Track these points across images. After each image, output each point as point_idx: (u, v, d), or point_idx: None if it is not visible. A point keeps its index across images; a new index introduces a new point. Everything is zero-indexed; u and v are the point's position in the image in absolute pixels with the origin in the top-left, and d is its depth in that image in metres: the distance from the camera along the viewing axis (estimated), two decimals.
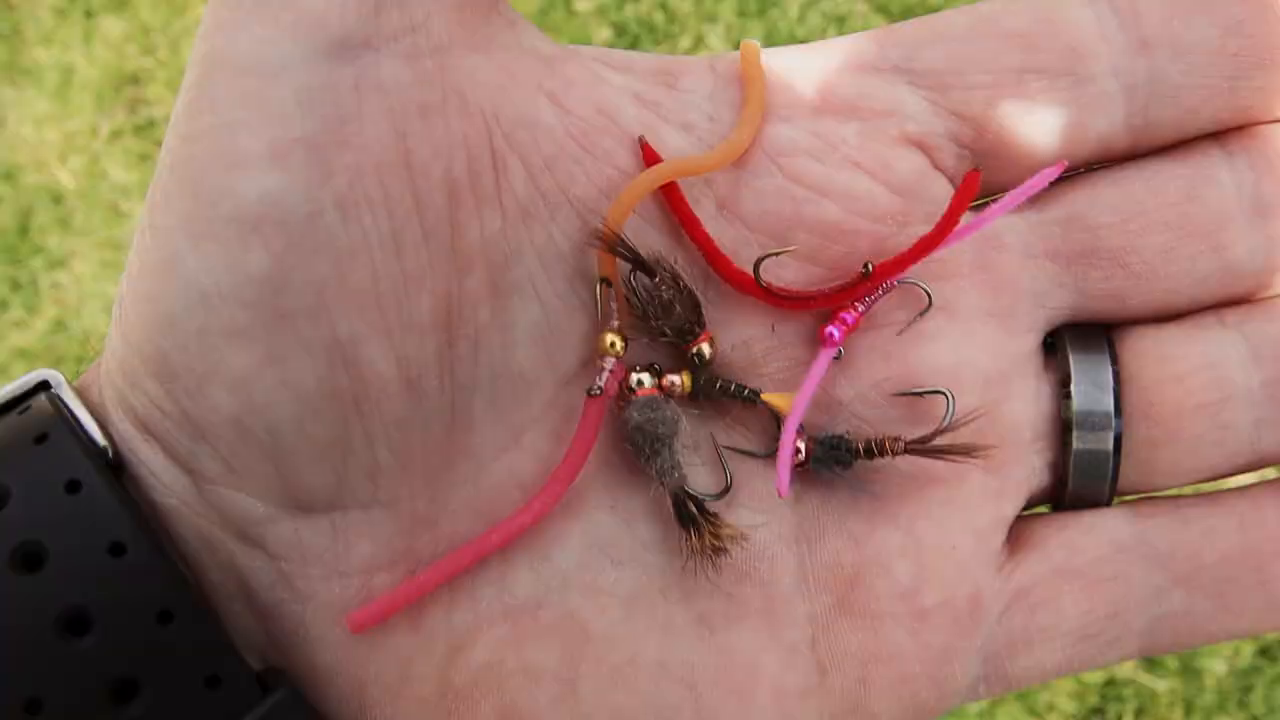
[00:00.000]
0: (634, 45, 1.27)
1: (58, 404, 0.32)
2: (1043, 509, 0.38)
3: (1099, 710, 1.10)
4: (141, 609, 0.30)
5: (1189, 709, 1.08)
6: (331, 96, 0.30)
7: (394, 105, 0.31)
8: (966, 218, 0.36)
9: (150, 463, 0.32)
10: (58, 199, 1.27)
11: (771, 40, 1.22)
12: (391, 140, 0.31)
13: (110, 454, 0.32)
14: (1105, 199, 0.36)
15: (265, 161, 0.30)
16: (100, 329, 1.20)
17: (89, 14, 1.35)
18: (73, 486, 0.31)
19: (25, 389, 0.33)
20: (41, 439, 0.31)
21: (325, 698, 0.33)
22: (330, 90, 0.30)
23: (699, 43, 1.24)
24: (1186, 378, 0.35)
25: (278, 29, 0.30)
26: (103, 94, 1.29)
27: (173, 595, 0.30)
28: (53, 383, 0.33)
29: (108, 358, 0.33)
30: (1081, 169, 0.37)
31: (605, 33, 1.26)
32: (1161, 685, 1.10)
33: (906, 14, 1.28)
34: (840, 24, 1.25)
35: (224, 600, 0.33)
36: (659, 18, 1.25)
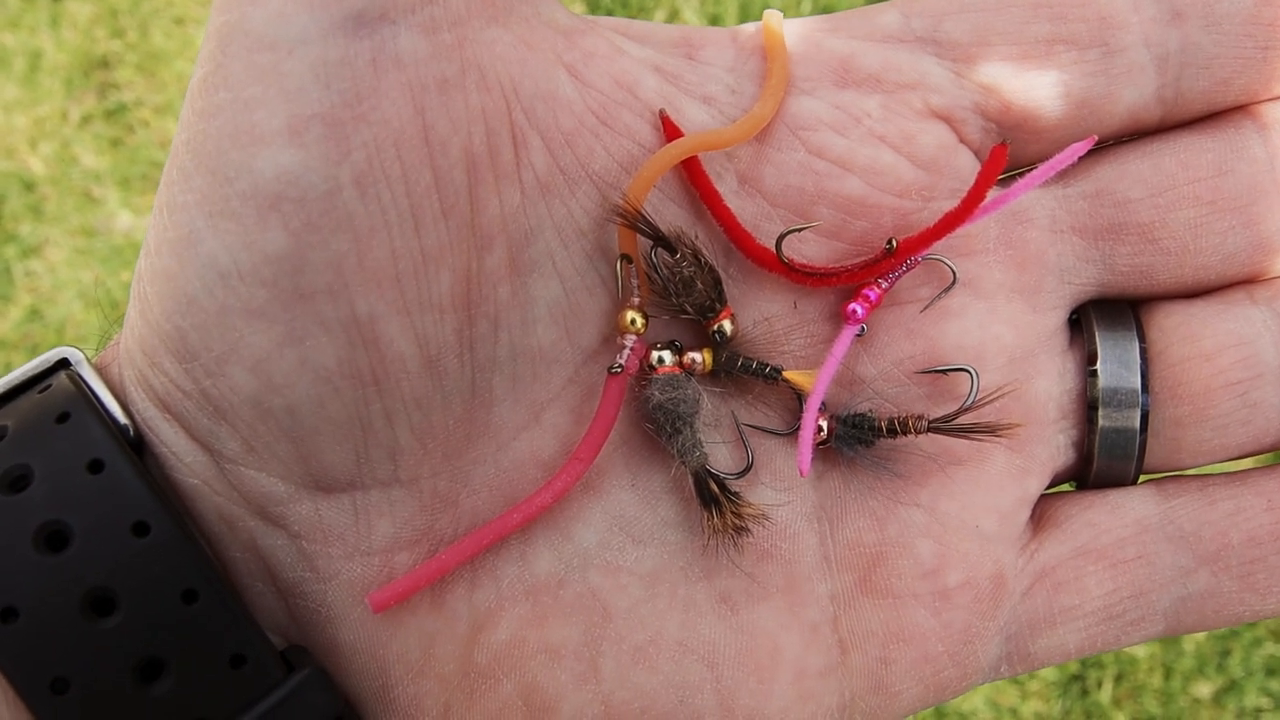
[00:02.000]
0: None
1: (78, 382, 0.32)
2: (1068, 486, 0.37)
3: (1079, 677, 1.10)
4: (166, 589, 0.30)
5: (1168, 674, 1.08)
6: (349, 71, 0.30)
7: (412, 80, 0.30)
8: (993, 192, 0.35)
9: (171, 442, 0.32)
10: (29, 186, 1.27)
11: (746, 13, 1.20)
12: (410, 115, 0.30)
13: (131, 432, 0.32)
14: (1134, 173, 0.35)
15: (282, 138, 0.29)
16: (76, 316, 1.19)
17: None
18: (95, 466, 0.31)
19: (45, 366, 0.33)
20: (63, 418, 0.31)
21: (347, 676, 0.34)
22: (348, 65, 0.30)
23: (674, 16, 1.22)
24: (1215, 356, 0.35)
25: (294, 2, 0.30)
26: (72, 78, 1.29)
27: (197, 575, 0.31)
28: (73, 360, 0.33)
29: (126, 335, 0.33)
30: (1110, 141, 0.36)
31: (579, 7, 1.25)
32: (1141, 651, 1.09)
33: None
34: None
35: (246, 579, 0.33)
36: None
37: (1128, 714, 1.08)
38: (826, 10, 1.22)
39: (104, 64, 1.29)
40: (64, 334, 1.18)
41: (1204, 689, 1.08)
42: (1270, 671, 1.07)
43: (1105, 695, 1.09)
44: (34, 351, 1.19)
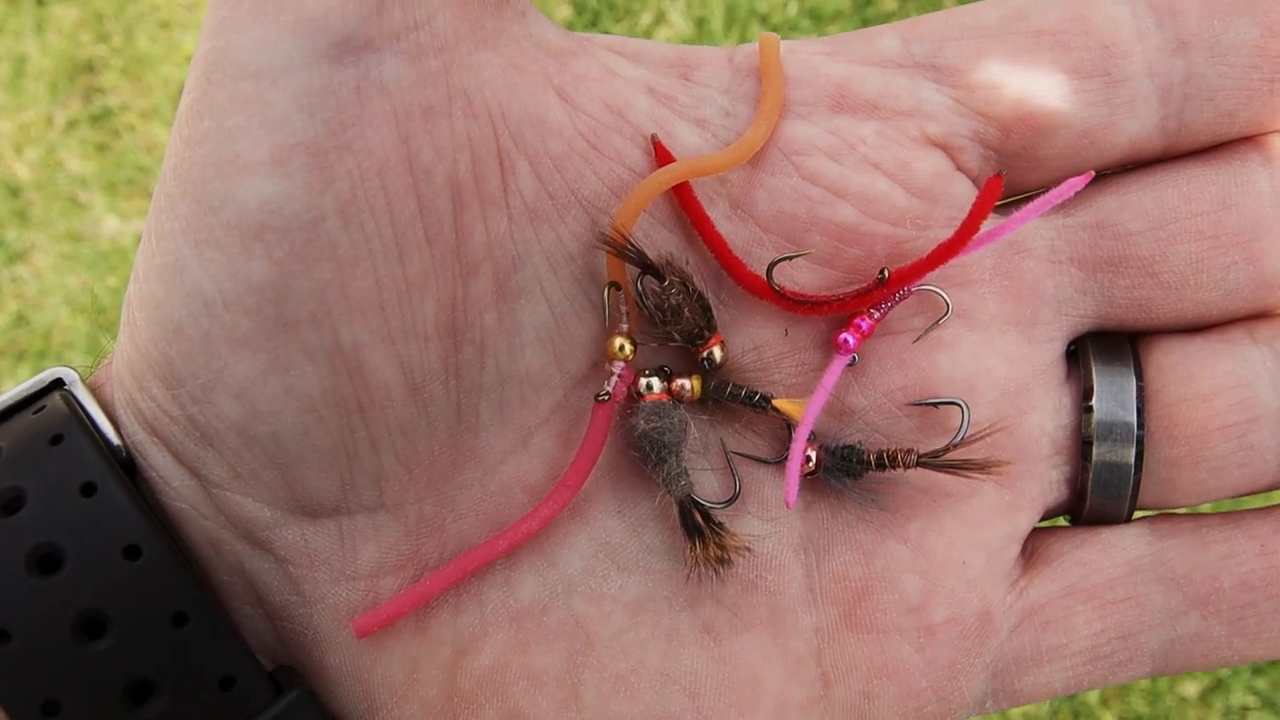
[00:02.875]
0: (594, 23, 1.24)
1: (72, 403, 0.32)
2: (1063, 520, 0.37)
3: None
4: (157, 611, 0.31)
5: None
6: (333, 100, 0.29)
7: (397, 107, 0.30)
8: (991, 220, 0.34)
9: (159, 466, 0.32)
10: (14, 191, 1.27)
11: (733, 15, 1.18)
12: (394, 143, 0.30)
13: (124, 454, 0.33)
14: (1136, 204, 0.35)
15: (266, 168, 0.29)
16: (63, 322, 1.20)
17: (40, 2, 1.33)
18: (88, 489, 0.31)
19: (40, 386, 0.34)
20: (57, 440, 0.32)
21: (334, 698, 0.34)
22: (331, 93, 0.29)
23: (660, 19, 1.21)
24: (1213, 398, 0.34)
25: (278, 30, 0.29)
26: (57, 83, 1.29)
27: (187, 598, 0.31)
28: (67, 380, 0.34)
29: (117, 359, 0.33)
30: (1112, 170, 0.36)
31: (565, 10, 1.23)
32: (1140, 679, 1.09)
33: None
34: None
35: (234, 602, 0.33)
36: None
37: (1115, 713, 1.09)
38: (813, 14, 1.21)
39: (89, 68, 1.28)
40: (51, 339, 1.19)
41: (1191, 688, 1.08)
42: (1257, 670, 1.08)
43: (1093, 695, 1.09)
44: (21, 358, 1.19)
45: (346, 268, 0.30)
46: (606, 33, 1.24)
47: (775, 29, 1.20)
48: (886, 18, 1.24)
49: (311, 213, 0.30)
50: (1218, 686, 1.08)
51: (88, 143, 1.24)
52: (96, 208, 1.22)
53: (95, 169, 1.22)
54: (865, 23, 1.24)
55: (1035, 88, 0.34)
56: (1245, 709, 1.07)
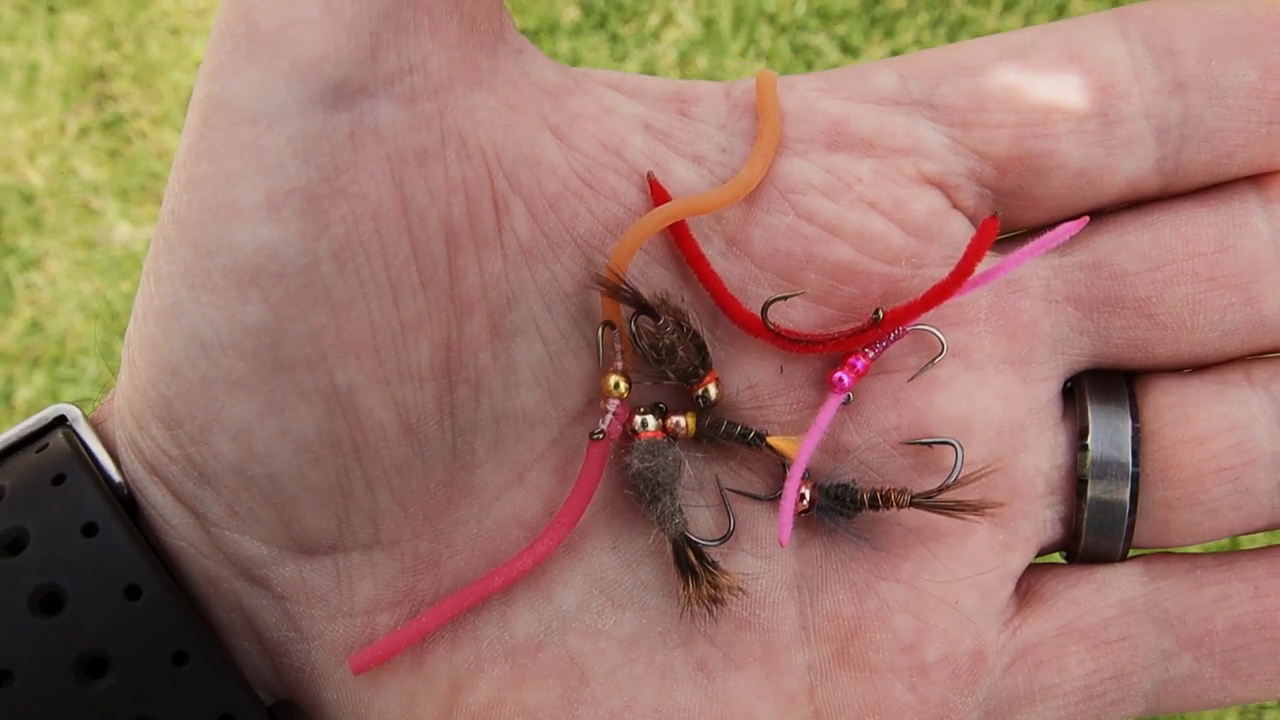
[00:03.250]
0: (602, 24, 1.23)
1: (74, 441, 0.33)
2: (1058, 555, 0.37)
3: None
4: (157, 650, 0.31)
5: None
6: (327, 145, 0.29)
7: (391, 152, 0.30)
8: (986, 261, 0.34)
9: (159, 504, 0.33)
10: (28, 199, 1.28)
11: (741, 15, 1.18)
12: (388, 188, 0.30)
13: (125, 491, 0.33)
14: (1133, 245, 0.35)
15: (262, 213, 0.29)
16: (77, 328, 1.21)
17: (52, 9, 1.34)
18: (89, 529, 0.32)
19: (42, 424, 0.35)
20: (59, 480, 0.32)
21: None
22: (326, 139, 0.29)
23: (668, 19, 1.20)
24: (1208, 440, 0.34)
25: (273, 76, 0.29)
26: (69, 91, 1.30)
27: (187, 636, 0.31)
28: (69, 418, 0.34)
29: (118, 396, 0.34)
30: (1110, 210, 0.35)
31: (573, 12, 1.23)
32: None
33: None
34: None
35: (233, 639, 0.34)
36: None
37: None
38: (821, 13, 1.20)
39: (101, 76, 1.29)
40: (65, 345, 1.20)
41: None
42: None
43: None
44: (36, 364, 1.20)
45: (341, 311, 0.30)
46: (614, 33, 1.24)
47: (784, 29, 1.20)
48: (894, 17, 1.23)
49: (306, 257, 0.30)
50: None
51: (100, 149, 1.25)
52: (109, 214, 1.23)
53: (108, 175, 1.23)
54: (873, 22, 1.23)
55: (1032, 127, 0.34)
56: (1263, 707, 1.07)
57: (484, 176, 0.32)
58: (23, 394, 1.17)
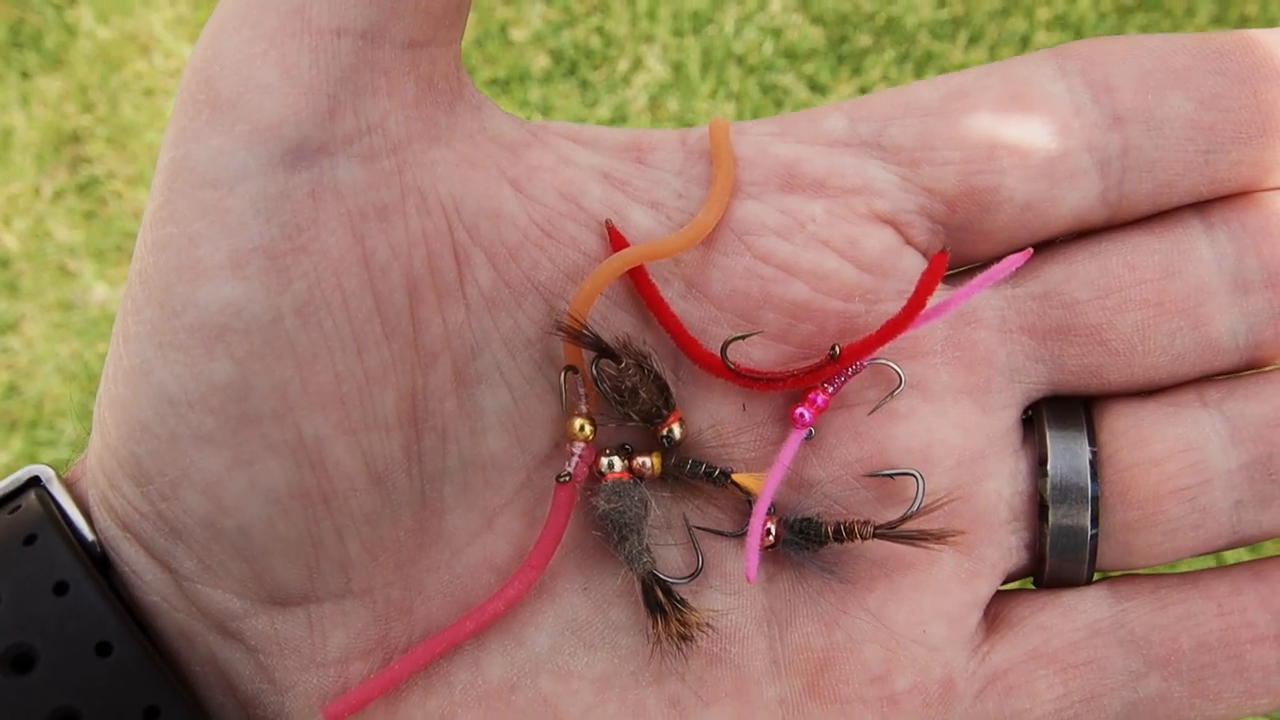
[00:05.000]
0: (572, 71, 1.26)
1: (46, 502, 0.33)
2: (1027, 583, 0.38)
3: None
4: (129, 707, 0.32)
5: None
6: (288, 204, 0.30)
7: (351, 208, 0.31)
8: (938, 295, 0.35)
9: (132, 561, 0.33)
10: (4, 263, 1.30)
11: (709, 58, 1.20)
12: (349, 244, 0.31)
13: (99, 549, 0.34)
14: (1082, 274, 0.36)
15: (225, 272, 0.30)
16: (54, 391, 1.21)
17: (25, 75, 1.37)
18: (60, 588, 0.32)
19: (15, 486, 0.35)
20: (30, 540, 0.33)
21: None
22: (287, 198, 0.30)
23: (638, 64, 1.23)
24: (1164, 461, 0.35)
25: (234, 140, 0.30)
26: (43, 154, 1.32)
27: (159, 692, 0.32)
28: (43, 478, 0.34)
29: (90, 455, 0.34)
30: (1059, 241, 0.37)
31: (543, 60, 1.26)
32: None
33: (842, 22, 1.26)
34: (776, 36, 1.23)
35: (207, 692, 0.34)
36: (596, 42, 1.25)
37: None
38: (789, 53, 1.23)
39: (75, 138, 1.31)
40: (43, 409, 1.20)
41: None
42: None
43: None
44: (13, 428, 1.20)
45: (306, 364, 0.31)
46: (585, 80, 1.26)
47: (752, 69, 1.22)
48: (861, 55, 1.26)
49: (270, 313, 0.31)
50: None
51: (75, 211, 1.26)
52: (86, 275, 1.24)
53: (83, 237, 1.25)
54: (840, 60, 1.26)
55: (978, 164, 0.35)
56: None
57: (444, 229, 0.33)
58: (0, 458, 1.16)
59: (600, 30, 1.26)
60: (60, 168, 1.28)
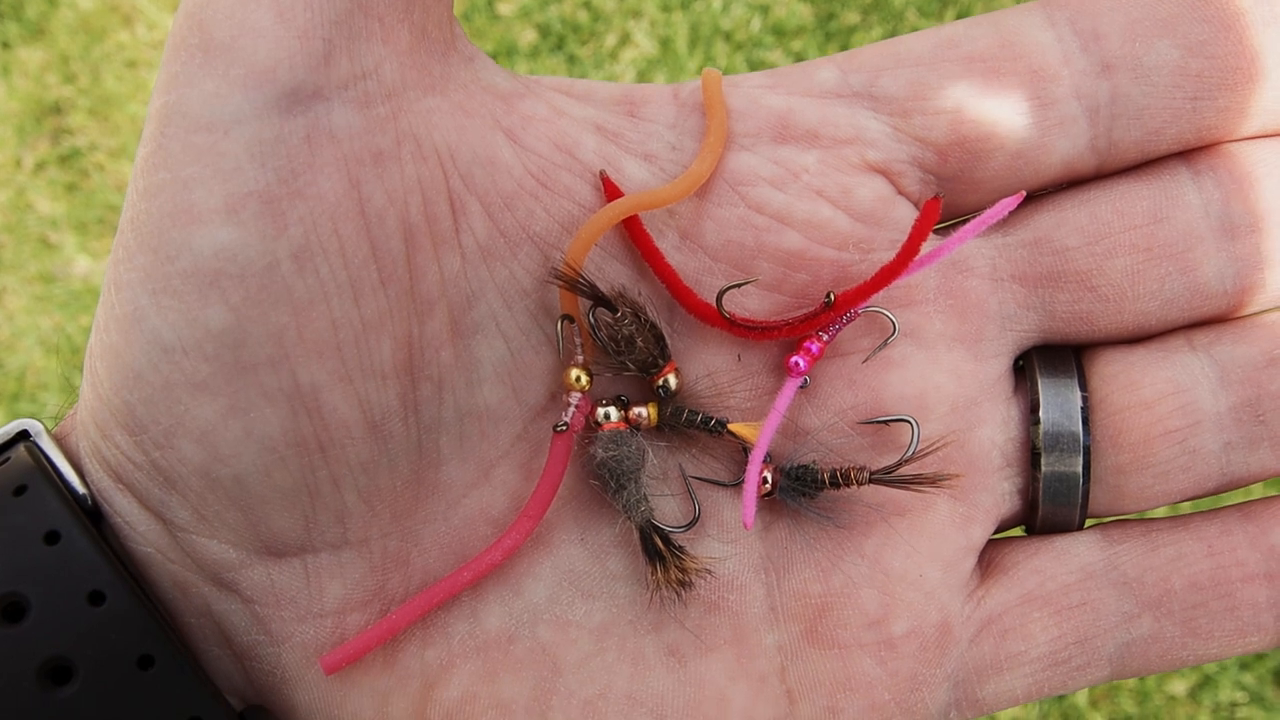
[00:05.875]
0: (560, 46, 1.26)
1: (36, 454, 0.33)
2: (1018, 531, 0.38)
3: None
4: (122, 656, 0.32)
5: None
6: (284, 149, 0.30)
7: (347, 154, 0.31)
8: (932, 242, 0.35)
9: (125, 512, 0.33)
10: None
11: (697, 33, 1.21)
12: (346, 189, 0.31)
13: (89, 502, 0.33)
14: (1072, 221, 0.36)
15: (220, 216, 0.30)
16: (36, 364, 1.20)
17: (6, 45, 1.35)
18: (51, 538, 0.32)
19: (5, 439, 0.35)
20: (20, 491, 0.33)
21: None
22: (282, 143, 0.30)
23: (625, 39, 1.23)
24: (1154, 404, 0.35)
25: (228, 84, 0.30)
26: (24, 126, 1.30)
27: (152, 641, 0.32)
28: (32, 432, 0.34)
29: (81, 409, 0.34)
30: (1050, 190, 0.37)
31: (530, 35, 1.26)
32: (1099, 684, 1.10)
33: None
34: (764, 12, 1.23)
35: (202, 644, 0.34)
36: (583, 17, 1.25)
37: (1105, 714, 1.10)
38: (777, 30, 1.23)
39: (56, 110, 1.30)
40: (25, 381, 1.19)
41: (1179, 686, 1.09)
42: (1244, 666, 1.09)
43: (1082, 696, 1.10)
44: None
45: (302, 311, 0.31)
46: (572, 55, 1.26)
47: (740, 46, 1.22)
48: (849, 32, 1.26)
49: (266, 259, 0.30)
50: (1206, 683, 1.09)
51: (57, 183, 1.25)
52: (67, 248, 1.23)
53: (65, 209, 1.23)
54: (828, 37, 1.26)
55: (969, 113, 0.35)
56: (1234, 704, 1.08)
57: (439, 177, 0.33)
58: None
59: (588, 5, 1.26)
60: (42, 139, 1.27)
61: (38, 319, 1.19)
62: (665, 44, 1.21)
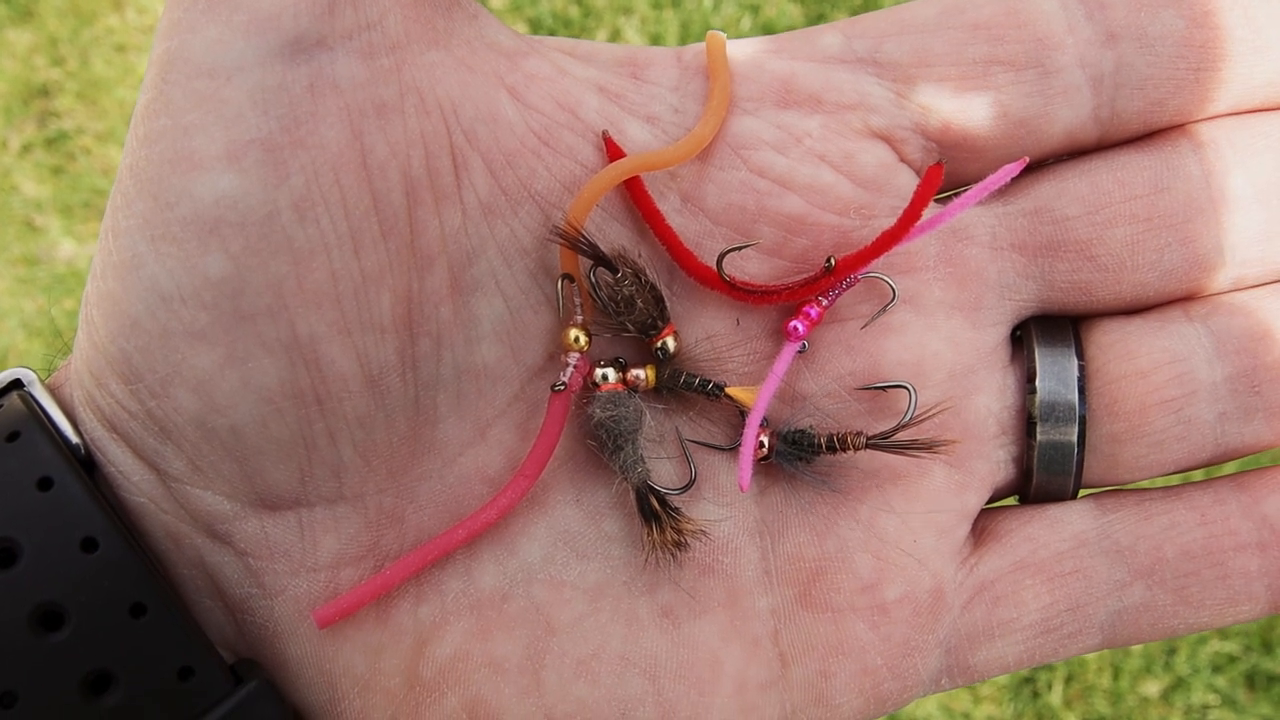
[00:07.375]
0: None
1: (29, 402, 0.33)
2: (1011, 501, 0.38)
3: (1030, 680, 1.13)
4: (114, 603, 0.31)
5: (1117, 674, 1.11)
6: (286, 97, 0.30)
7: (350, 104, 0.31)
8: (932, 210, 0.36)
9: (119, 462, 0.33)
10: None
11: (688, 31, 1.21)
12: (348, 140, 0.31)
13: (83, 451, 0.33)
14: (1072, 191, 0.36)
15: (221, 163, 0.30)
16: (19, 346, 1.19)
17: None
18: (44, 484, 0.32)
19: None
20: (13, 437, 0.32)
21: (296, 689, 0.35)
22: (285, 91, 0.30)
23: (615, 35, 1.23)
24: (1150, 373, 0.36)
25: (231, 30, 0.30)
26: (11, 107, 1.29)
27: (144, 589, 0.32)
28: (25, 381, 0.34)
29: (76, 357, 0.34)
30: (1050, 160, 0.37)
31: (520, 28, 1.26)
32: (1090, 653, 1.11)
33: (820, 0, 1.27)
34: (755, 12, 1.24)
35: (194, 596, 0.34)
36: (574, 12, 1.25)
37: (1078, 715, 1.10)
38: (766, 29, 1.24)
39: (44, 92, 1.29)
40: (7, 363, 1.18)
41: (1152, 687, 1.10)
42: (1216, 668, 1.10)
43: (1056, 697, 1.11)
44: None
45: (302, 261, 0.31)
46: None
47: None
48: None
49: (267, 207, 0.30)
50: (1179, 685, 1.10)
51: (43, 166, 1.24)
52: (53, 231, 1.22)
53: (51, 192, 1.22)
54: None
55: (973, 80, 0.36)
56: (1206, 707, 1.09)
57: (442, 131, 0.33)
58: None
59: (579, 0, 1.26)
60: (28, 121, 1.26)
61: (21, 301, 1.17)
62: (655, 41, 1.22)
